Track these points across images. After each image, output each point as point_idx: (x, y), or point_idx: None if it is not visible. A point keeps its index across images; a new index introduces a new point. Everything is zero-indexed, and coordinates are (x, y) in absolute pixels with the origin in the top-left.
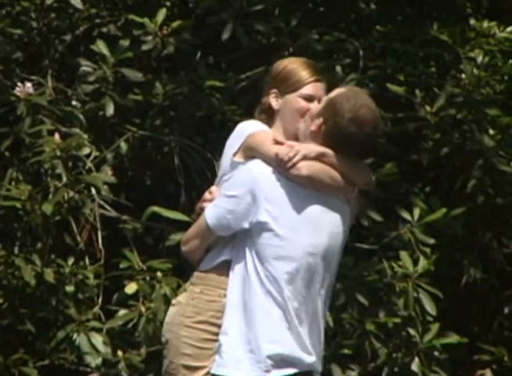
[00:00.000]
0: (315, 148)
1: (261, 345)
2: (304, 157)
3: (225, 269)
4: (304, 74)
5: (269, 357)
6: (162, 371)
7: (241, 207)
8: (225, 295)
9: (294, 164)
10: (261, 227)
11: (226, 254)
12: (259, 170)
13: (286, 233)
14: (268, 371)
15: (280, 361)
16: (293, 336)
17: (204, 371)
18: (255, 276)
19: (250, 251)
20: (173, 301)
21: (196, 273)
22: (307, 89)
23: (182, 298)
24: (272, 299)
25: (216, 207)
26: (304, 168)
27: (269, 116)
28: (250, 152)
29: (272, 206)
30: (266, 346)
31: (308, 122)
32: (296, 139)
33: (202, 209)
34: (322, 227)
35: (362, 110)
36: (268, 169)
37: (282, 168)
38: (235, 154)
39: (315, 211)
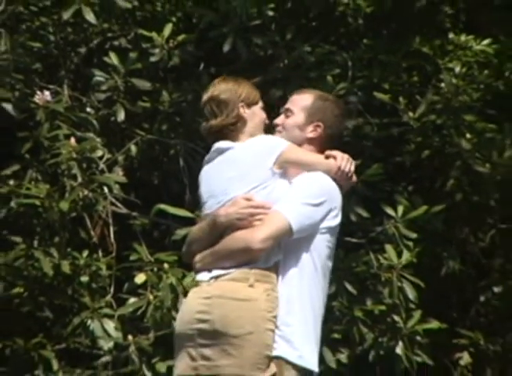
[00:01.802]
0: (345, 155)
1: (313, 341)
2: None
3: (274, 270)
4: (254, 89)
5: (317, 355)
6: (229, 362)
7: (320, 215)
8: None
9: (352, 175)
10: (329, 231)
11: (279, 253)
12: (329, 181)
13: (336, 231)
14: (316, 367)
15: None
16: None
17: (273, 360)
18: (315, 274)
19: (309, 252)
20: (235, 295)
21: (257, 271)
22: (261, 102)
23: (253, 293)
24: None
25: (300, 214)
26: (354, 175)
27: (234, 128)
28: (288, 164)
29: (338, 212)
30: (316, 343)
31: (294, 133)
32: None
33: (252, 214)
34: None
35: (340, 103)
36: (330, 179)
37: (344, 177)
38: (274, 165)
39: None
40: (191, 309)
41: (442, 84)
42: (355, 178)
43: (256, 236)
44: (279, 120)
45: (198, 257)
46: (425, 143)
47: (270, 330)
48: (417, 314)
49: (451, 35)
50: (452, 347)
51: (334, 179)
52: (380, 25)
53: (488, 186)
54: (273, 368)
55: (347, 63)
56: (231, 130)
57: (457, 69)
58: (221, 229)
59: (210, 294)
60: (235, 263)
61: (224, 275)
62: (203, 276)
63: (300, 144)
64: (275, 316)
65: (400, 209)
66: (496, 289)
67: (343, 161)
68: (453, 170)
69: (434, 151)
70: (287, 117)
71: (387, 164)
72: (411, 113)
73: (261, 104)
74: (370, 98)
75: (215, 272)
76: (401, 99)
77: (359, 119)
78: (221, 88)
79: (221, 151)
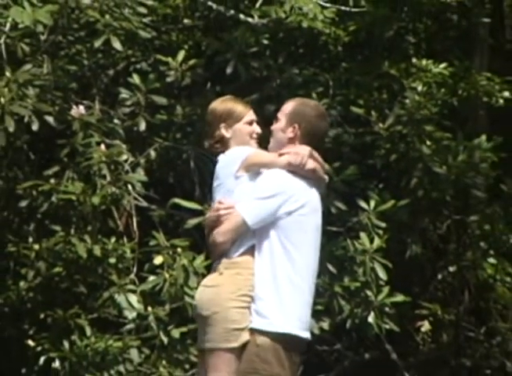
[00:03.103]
0: (306, 147)
1: (288, 309)
2: (307, 156)
3: (249, 254)
4: (240, 107)
5: (296, 319)
6: (207, 338)
7: (274, 205)
8: (253, 274)
9: (305, 163)
10: (288, 213)
11: (250, 241)
12: (281, 175)
13: (304, 212)
14: (294, 329)
15: (303, 324)
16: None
17: (246, 330)
18: (285, 251)
19: (278, 233)
20: (208, 283)
21: (227, 260)
22: (248, 117)
23: (219, 280)
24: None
25: (253, 208)
26: (310, 163)
27: (223, 144)
28: (253, 167)
29: (298, 197)
30: (293, 310)
31: (279, 134)
32: None
33: (219, 214)
34: (318, 207)
35: (319, 108)
36: (284, 173)
37: (298, 168)
38: (238, 171)
39: (315, 195)
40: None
41: (407, 101)
42: (309, 165)
43: (218, 232)
44: (272, 127)
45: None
46: (393, 149)
47: (236, 307)
48: (386, 289)
49: (414, 60)
50: (414, 316)
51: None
52: (356, 52)
53: (444, 184)
54: (244, 338)
55: (329, 82)
56: (219, 146)
57: (419, 88)
58: (208, 230)
59: (205, 280)
60: (216, 256)
61: (213, 266)
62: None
63: (284, 145)
64: (243, 294)
65: (372, 203)
66: (451, 268)
67: (292, 156)
68: (416, 171)
69: (400, 155)
70: (276, 123)
71: (362, 166)
72: (381, 124)
73: (247, 119)
74: (348, 112)
75: (218, 262)
76: (373, 112)
77: (339, 129)
78: (208, 111)
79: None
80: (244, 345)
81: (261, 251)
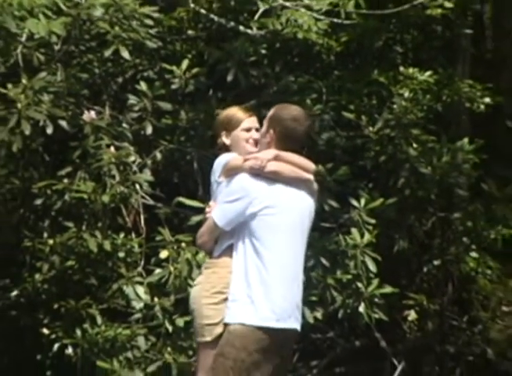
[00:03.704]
0: (271, 151)
1: (259, 303)
2: (268, 159)
3: (228, 253)
4: (239, 114)
5: (268, 312)
6: (194, 332)
7: (240, 207)
8: (230, 272)
9: (264, 166)
10: (255, 214)
11: (228, 241)
12: (244, 179)
13: (270, 212)
14: (263, 322)
15: (277, 315)
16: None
17: (220, 325)
18: (254, 249)
19: (248, 233)
20: (194, 283)
21: (208, 260)
22: (245, 123)
23: (200, 279)
24: (263, 264)
25: (221, 211)
26: (271, 165)
27: (226, 150)
28: (230, 172)
29: (260, 198)
30: (263, 304)
31: (262, 139)
32: None
33: (205, 216)
34: (295, 206)
35: (295, 111)
36: (248, 177)
37: (259, 171)
38: (219, 177)
39: (291, 195)
40: None
41: (395, 106)
42: (270, 168)
43: (198, 234)
44: (251, 133)
45: None
46: (381, 151)
47: (209, 304)
48: (375, 281)
49: (401, 68)
50: (402, 306)
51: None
52: (347, 61)
53: (429, 184)
54: (217, 332)
55: (322, 89)
56: (226, 151)
57: (406, 94)
58: None
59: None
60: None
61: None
62: None
63: (265, 149)
64: (217, 292)
65: (362, 201)
66: (436, 262)
67: (252, 161)
68: (403, 171)
69: (388, 157)
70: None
71: (353, 167)
72: (371, 128)
73: (244, 126)
74: (340, 116)
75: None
76: (363, 117)
77: (331, 132)
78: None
79: None
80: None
81: (237, 251)
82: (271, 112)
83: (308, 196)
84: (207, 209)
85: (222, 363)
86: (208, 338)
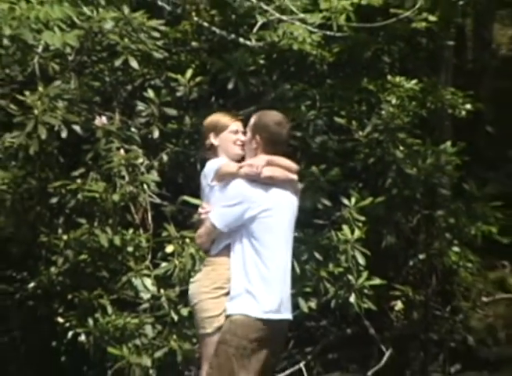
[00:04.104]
0: (262, 157)
1: (258, 297)
2: (262, 166)
3: (225, 252)
4: (226, 118)
5: (265, 306)
6: (196, 325)
7: (239, 211)
8: (229, 269)
9: (260, 172)
10: (255, 217)
11: (226, 241)
12: (242, 184)
13: (269, 214)
14: (265, 314)
15: (273, 308)
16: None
17: (220, 317)
18: (252, 248)
19: (246, 234)
20: (192, 280)
21: (207, 258)
22: (233, 126)
23: (199, 276)
24: (262, 262)
25: (220, 214)
26: (266, 171)
27: (213, 151)
28: (224, 178)
29: (258, 202)
30: (262, 298)
31: (248, 146)
32: (235, 160)
33: (200, 217)
34: (289, 205)
35: (276, 117)
36: (245, 182)
37: (254, 177)
38: (211, 181)
39: (285, 196)
40: None
41: (383, 112)
42: (266, 173)
43: (197, 235)
44: (239, 136)
45: None
46: (370, 153)
47: (210, 298)
48: (365, 274)
49: (389, 77)
50: (389, 297)
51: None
52: (339, 70)
53: (414, 184)
54: (218, 324)
55: (316, 96)
56: (211, 154)
57: (393, 101)
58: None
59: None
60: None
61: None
62: None
63: (253, 155)
64: (218, 287)
65: (353, 200)
66: (421, 256)
67: (247, 168)
68: (390, 172)
69: (377, 159)
70: (245, 135)
71: (344, 168)
72: (360, 132)
73: (231, 128)
74: (332, 121)
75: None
76: (353, 122)
77: (324, 136)
78: (203, 124)
79: None
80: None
81: (234, 250)
82: (253, 120)
83: (292, 195)
84: (201, 210)
85: (225, 350)
86: (209, 330)
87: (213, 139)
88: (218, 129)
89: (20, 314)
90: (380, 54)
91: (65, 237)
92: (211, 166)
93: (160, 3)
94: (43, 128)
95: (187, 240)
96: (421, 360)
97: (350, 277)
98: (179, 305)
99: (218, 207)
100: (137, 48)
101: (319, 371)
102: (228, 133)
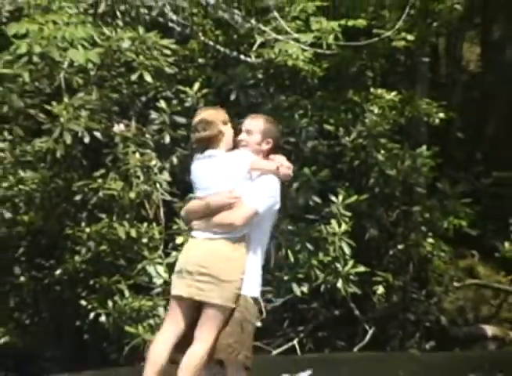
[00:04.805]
0: (285, 160)
1: (259, 280)
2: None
3: (244, 240)
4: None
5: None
6: (220, 295)
7: (271, 204)
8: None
9: (289, 174)
10: (274, 210)
11: (246, 228)
12: (276, 181)
13: (276, 212)
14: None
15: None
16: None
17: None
18: (260, 237)
19: (257, 225)
20: (228, 255)
21: (234, 239)
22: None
23: (236, 254)
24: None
25: (263, 202)
26: (290, 171)
27: (215, 140)
28: (254, 170)
29: (278, 198)
30: (260, 282)
31: (255, 146)
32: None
33: (230, 202)
34: None
35: (278, 125)
36: (277, 180)
37: (285, 176)
38: (247, 172)
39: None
40: (194, 255)
41: (366, 120)
42: (290, 174)
43: (238, 216)
44: (243, 137)
45: (196, 222)
46: (356, 157)
47: (242, 279)
48: (351, 262)
49: (372, 89)
50: (372, 282)
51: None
52: (328, 83)
53: (394, 183)
54: (238, 302)
55: (307, 106)
56: (215, 140)
57: (375, 110)
58: (211, 209)
59: (207, 249)
60: (220, 231)
61: (213, 239)
62: (198, 234)
63: (258, 155)
64: (244, 271)
65: (340, 197)
66: (399, 246)
67: (286, 170)
68: (373, 173)
69: (361, 162)
70: (249, 136)
71: (333, 170)
72: (347, 138)
73: (230, 125)
74: (322, 128)
75: (207, 235)
76: (341, 129)
77: (315, 141)
78: (207, 113)
79: (211, 156)
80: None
81: (251, 238)
82: (264, 124)
83: None
84: (231, 195)
85: (247, 327)
86: (233, 305)
87: (222, 128)
88: (225, 121)
89: (48, 297)
90: (363, 69)
91: (87, 230)
92: (245, 157)
93: (170, 24)
94: (68, 134)
95: None
96: (400, 338)
97: (337, 265)
98: None
99: (258, 195)
100: (151, 64)
101: (310, 348)
102: (230, 128)
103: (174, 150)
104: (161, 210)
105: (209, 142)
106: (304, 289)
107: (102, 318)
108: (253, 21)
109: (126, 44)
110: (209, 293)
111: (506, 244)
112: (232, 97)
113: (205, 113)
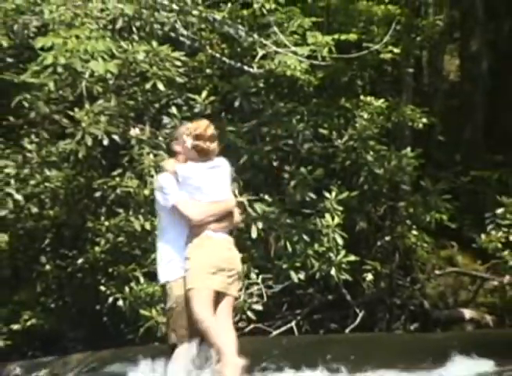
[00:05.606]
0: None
1: None
2: None
3: None
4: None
5: None
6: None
7: None
8: None
9: None
10: None
11: None
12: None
13: None
14: None
15: None
16: None
17: None
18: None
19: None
20: (238, 254)
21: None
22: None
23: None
24: None
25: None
26: None
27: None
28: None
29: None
30: None
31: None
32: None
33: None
34: None
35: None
36: None
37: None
38: None
39: None
40: (223, 251)
41: (357, 125)
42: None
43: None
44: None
45: (215, 223)
46: (347, 157)
47: None
48: (343, 252)
49: (362, 97)
50: (362, 270)
51: None
52: (323, 91)
53: (382, 181)
54: None
55: (304, 112)
56: (215, 151)
57: (365, 116)
58: (227, 212)
59: (231, 248)
60: (227, 231)
61: (228, 239)
62: (220, 234)
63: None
64: None
65: (333, 194)
66: (386, 238)
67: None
68: (363, 172)
69: (352, 162)
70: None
71: (327, 169)
72: (339, 141)
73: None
74: (317, 132)
75: (224, 235)
76: (334, 132)
77: (311, 144)
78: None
79: (217, 166)
80: None
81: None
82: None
83: None
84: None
85: None
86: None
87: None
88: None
89: (71, 284)
90: (354, 79)
91: (106, 223)
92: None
93: (181, 39)
94: (89, 137)
95: None
96: (387, 320)
97: (331, 255)
98: None
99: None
100: (163, 74)
101: (306, 329)
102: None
103: None
104: None
105: (212, 154)
106: (301, 276)
107: (120, 302)
108: (255, 35)
109: (141, 56)
110: (236, 287)
111: (483, 236)
112: (236, 104)
113: (212, 127)
